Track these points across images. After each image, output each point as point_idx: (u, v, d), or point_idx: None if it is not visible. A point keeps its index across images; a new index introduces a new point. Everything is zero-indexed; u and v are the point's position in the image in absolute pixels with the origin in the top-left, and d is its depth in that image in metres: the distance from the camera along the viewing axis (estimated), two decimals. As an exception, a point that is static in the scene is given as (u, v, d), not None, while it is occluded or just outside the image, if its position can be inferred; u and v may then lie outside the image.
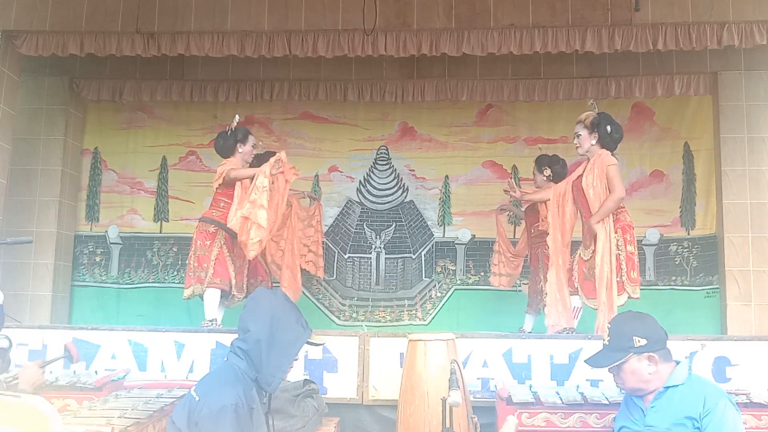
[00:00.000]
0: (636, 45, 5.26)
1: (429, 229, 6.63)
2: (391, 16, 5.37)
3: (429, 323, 6.39)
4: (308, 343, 2.50)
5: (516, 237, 6.01)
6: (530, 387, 3.50)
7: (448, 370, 2.56)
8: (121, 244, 6.69)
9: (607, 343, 2.54)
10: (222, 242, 4.68)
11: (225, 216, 4.68)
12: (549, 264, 4.53)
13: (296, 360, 2.46)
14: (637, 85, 6.13)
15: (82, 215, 6.72)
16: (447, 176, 6.64)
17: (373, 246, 6.62)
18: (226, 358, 2.45)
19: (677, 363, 2.49)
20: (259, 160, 4.89)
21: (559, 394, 3.23)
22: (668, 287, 6.26)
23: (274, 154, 4.91)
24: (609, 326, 2.60)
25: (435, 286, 6.53)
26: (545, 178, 5.18)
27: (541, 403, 3.14)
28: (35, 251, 6.16)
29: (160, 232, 6.69)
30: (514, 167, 6.51)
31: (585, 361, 2.66)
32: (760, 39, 5.13)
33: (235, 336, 2.48)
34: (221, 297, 4.69)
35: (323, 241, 6.10)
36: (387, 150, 6.74)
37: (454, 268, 6.55)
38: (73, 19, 5.48)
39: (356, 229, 6.66)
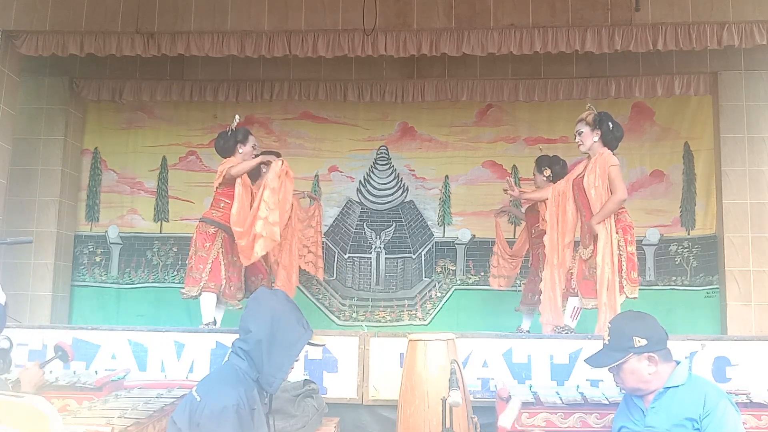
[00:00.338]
0: (636, 45, 5.26)
1: (429, 229, 6.63)
2: (391, 16, 5.37)
3: (429, 323, 6.39)
4: (309, 343, 2.50)
5: (516, 238, 6.00)
6: (530, 387, 3.50)
7: (448, 370, 2.56)
8: (121, 244, 6.70)
9: (607, 342, 2.54)
10: (220, 245, 4.68)
11: (225, 216, 4.68)
12: (545, 263, 4.54)
13: (297, 361, 2.46)
14: (637, 85, 6.13)
15: (82, 215, 6.73)
16: (447, 176, 6.64)
17: (373, 246, 6.62)
18: (227, 358, 2.45)
19: (677, 363, 2.49)
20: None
21: (559, 394, 3.23)
22: (668, 287, 6.26)
23: (272, 153, 4.92)
24: (609, 326, 2.60)
25: (435, 286, 6.53)
26: (545, 179, 5.18)
27: (541, 403, 3.14)
28: (35, 251, 6.16)
29: (160, 232, 6.70)
30: (514, 167, 6.52)
31: (585, 360, 2.66)
32: (760, 39, 5.13)
33: (236, 336, 2.48)
34: (219, 299, 4.69)
35: (323, 241, 6.09)
36: (387, 150, 6.74)
37: (454, 268, 6.55)
38: (73, 19, 5.48)
39: (356, 229, 6.66)
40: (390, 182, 6.72)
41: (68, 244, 6.55)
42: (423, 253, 6.59)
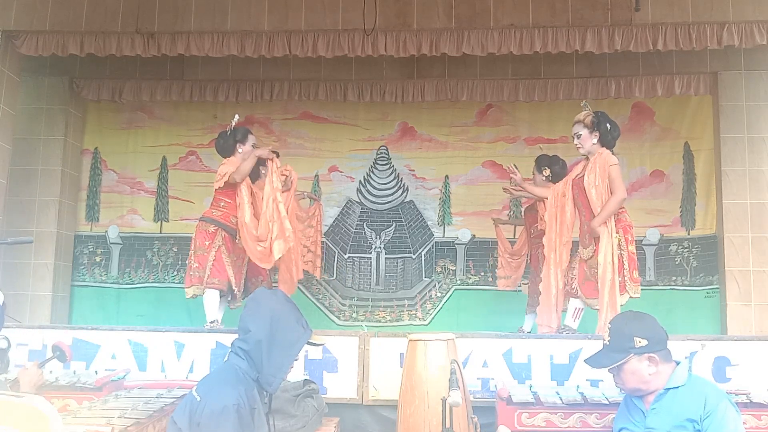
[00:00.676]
0: (636, 45, 5.26)
1: (429, 229, 6.63)
2: (391, 16, 5.37)
3: (429, 323, 6.39)
4: (309, 343, 2.50)
5: (516, 238, 6.00)
6: (530, 387, 3.50)
7: (448, 370, 2.55)
8: (121, 244, 6.70)
9: (608, 343, 2.54)
10: (221, 242, 4.68)
11: (225, 216, 4.70)
12: (544, 263, 4.54)
13: (297, 360, 2.45)
14: (637, 85, 6.13)
15: (82, 215, 6.73)
16: (447, 176, 6.64)
17: (373, 246, 6.62)
18: (226, 358, 2.45)
19: (677, 363, 2.48)
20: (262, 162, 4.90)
21: (559, 394, 3.23)
22: (668, 287, 6.26)
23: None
24: (609, 326, 2.60)
25: (435, 286, 6.53)
26: (545, 178, 5.18)
27: (541, 403, 3.14)
28: (35, 251, 6.16)
29: (160, 232, 6.70)
30: (514, 167, 6.50)
31: (585, 360, 2.65)
32: (760, 39, 5.13)
33: (236, 336, 2.48)
34: (222, 297, 4.69)
35: (323, 241, 6.09)
36: (387, 150, 6.74)
37: (454, 268, 6.55)
38: (73, 19, 5.48)
39: (356, 229, 6.66)
40: (390, 182, 6.72)
41: (68, 244, 6.55)
42: (423, 253, 6.59)
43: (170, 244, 6.65)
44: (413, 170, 6.70)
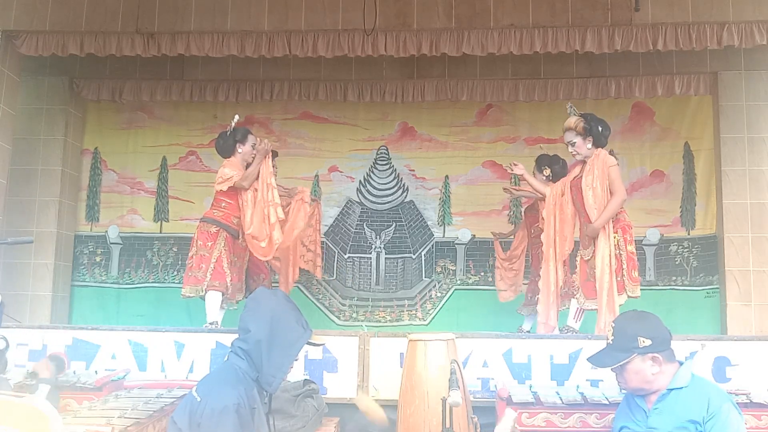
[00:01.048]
0: (636, 45, 5.26)
1: (429, 229, 6.63)
2: (391, 16, 5.37)
3: (429, 323, 6.39)
4: (308, 343, 2.50)
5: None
6: (530, 387, 3.50)
7: (448, 370, 2.55)
8: (121, 244, 6.70)
9: (611, 342, 2.53)
10: (223, 243, 4.68)
11: (227, 216, 4.71)
12: (543, 261, 4.54)
13: (296, 360, 2.46)
14: (637, 85, 6.13)
15: (82, 215, 6.72)
16: (447, 176, 6.64)
17: (373, 246, 6.62)
18: (226, 358, 2.45)
19: (680, 364, 2.48)
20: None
21: (559, 394, 3.23)
22: (668, 287, 6.26)
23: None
24: (613, 326, 2.60)
25: (435, 286, 6.53)
26: (545, 178, 5.18)
27: (541, 403, 3.14)
28: (35, 251, 6.16)
29: (160, 232, 6.70)
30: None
31: (588, 359, 2.65)
32: (760, 39, 5.13)
33: (236, 336, 2.48)
34: (224, 298, 4.70)
35: (323, 241, 6.09)
36: (387, 150, 6.74)
37: (454, 268, 6.55)
38: (73, 19, 5.47)
39: (356, 229, 6.66)
40: (390, 182, 6.72)
41: (68, 244, 6.55)
42: (423, 253, 6.59)
43: (170, 244, 6.64)
44: (413, 170, 6.70)
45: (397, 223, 6.65)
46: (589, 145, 4.33)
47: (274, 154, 4.96)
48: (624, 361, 2.45)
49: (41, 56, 5.67)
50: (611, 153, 4.39)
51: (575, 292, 4.39)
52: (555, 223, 4.46)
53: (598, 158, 4.27)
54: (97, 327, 4.28)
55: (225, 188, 4.68)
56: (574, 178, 4.43)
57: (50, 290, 6.19)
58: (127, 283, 6.62)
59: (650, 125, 6.50)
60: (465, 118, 6.68)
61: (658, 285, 6.27)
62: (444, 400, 2.44)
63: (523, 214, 5.91)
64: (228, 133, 4.85)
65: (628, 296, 4.15)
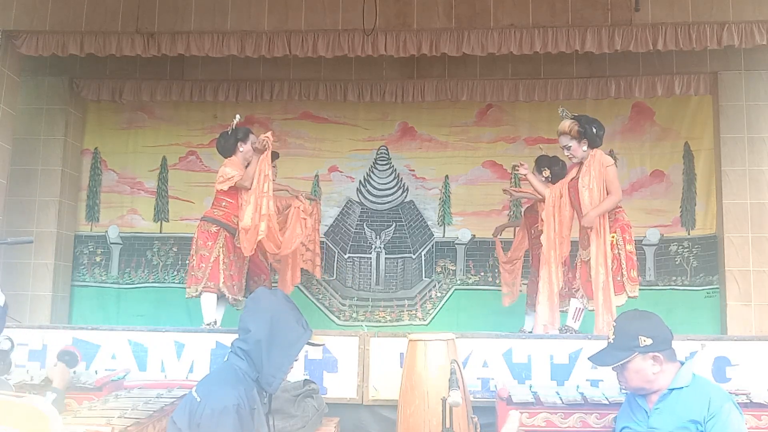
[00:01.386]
0: (636, 45, 5.26)
1: (429, 229, 6.63)
2: (391, 16, 5.37)
3: (429, 323, 6.39)
4: (308, 343, 2.50)
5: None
6: (530, 387, 3.50)
7: (448, 370, 2.55)
8: (121, 244, 6.70)
9: (612, 341, 2.53)
10: (222, 243, 4.68)
11: (227, 216, 4.70)
12: (541, 263, 4.54)
13: (296, 360, 2.45)
14: (637, 85, 6.13)
15: (82, 215, 6.73)
16: (447, 176, 6.64)
17: (373, 246, 6.62)
18: (226, 358, 2.45)
19: (681, 363, 2.48)
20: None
21: (559, 394, 3.23)
22: (668, 287, 6.26)
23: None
24: (614, 325, 2.60)
25: (435, 286, 6.53)
26: (544, 179, 5.17)
27: (541, 403, 3.14)
28: (35, 251, 6.16)
29: (160, 232, 6.70)
30: (514, 167, 6.50)
31: (589, 358, 2.65)
32: (760, 39, 5.13)
33: (236, 336, 2.48)
34: (220, 298, 4.69)
35: (323, 241, 6.09)
36: (387, 150, 6.74)
37: (454, 268, 6.55)
38: (73, 19, 5.48)
39: (356, 229, 6.66)
40: (390, 182, 6.72)
41: (68, 244, 6.55)
42: (423, 253, 6.59)
43: (170, 244, 6.64)
44: (413, 170, 6.70)
45: (397, 223, 6.65)
46: (585, 148, 4.35)
47: (275, 155, 4.96)
48: (625, 360, 2.45)
49: (41, 56, 5.67)
50: (610, 153, 4.39)
51: (575, 293, 4.39)
52: (554, 224, 4.46)
53: (594, 159, 4.28)
54: (97, 327, 4.28)
55: (226, 187, 4.67)
56: (572, 179, 4.44)
57: (50, 290, 6.19)
58: (127, 283, 6.62)
59: (650, 125, 6.50)
60: (465, 118, 6.68)
61: (658, 285, 6.27)
62: (444, 400, 2.44)
63: (522, 214, 5.90)
64: (229, 132, 4.85)
65: (628, 296, 4.15)
